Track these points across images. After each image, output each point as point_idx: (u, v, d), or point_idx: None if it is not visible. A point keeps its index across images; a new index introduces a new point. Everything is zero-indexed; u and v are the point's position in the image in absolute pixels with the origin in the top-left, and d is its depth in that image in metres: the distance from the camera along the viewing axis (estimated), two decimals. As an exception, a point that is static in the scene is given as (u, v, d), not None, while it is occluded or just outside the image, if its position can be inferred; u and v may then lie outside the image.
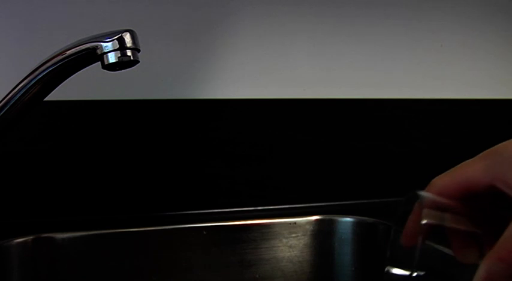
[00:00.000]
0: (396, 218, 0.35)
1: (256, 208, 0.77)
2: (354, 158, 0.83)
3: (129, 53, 0.47)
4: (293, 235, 0.70)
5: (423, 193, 0.32)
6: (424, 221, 0.30)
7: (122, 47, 0.47)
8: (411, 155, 0.86)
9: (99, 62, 0.48)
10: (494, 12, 0.91)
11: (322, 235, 0.71)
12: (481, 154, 0.33)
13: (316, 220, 0.71)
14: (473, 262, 0.29)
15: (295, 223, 0.71)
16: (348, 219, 0.71)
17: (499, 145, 0.32)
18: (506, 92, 0.92)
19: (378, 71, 0.85)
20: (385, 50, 0.85)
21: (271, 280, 0.70)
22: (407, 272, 0.30)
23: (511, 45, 0.93)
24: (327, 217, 0.72)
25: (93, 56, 0.48)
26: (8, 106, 0.50)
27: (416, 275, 0.30)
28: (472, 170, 0.32)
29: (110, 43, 0.47)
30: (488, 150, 0.32)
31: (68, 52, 0.49)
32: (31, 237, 0.62)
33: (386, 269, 0.34)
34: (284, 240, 0.70)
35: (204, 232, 0.68)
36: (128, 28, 0.48)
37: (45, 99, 0.52)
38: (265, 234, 0.70)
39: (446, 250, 0.31)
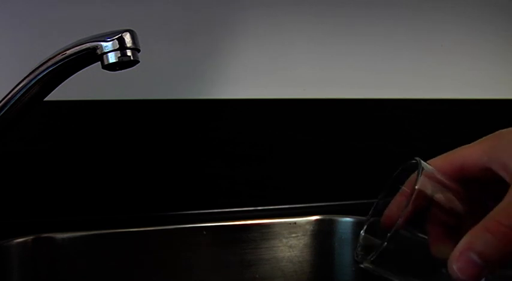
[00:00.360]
0: (387, 187, 0.35)
1: (256, 208, 0.77)
2: (354, 158, 0.82)
3: (129, 53, 0.47)
4: (293, 235, 0.70)
5: (424, 163, 0.32)
6: (417, 186, 0.30)
7: (122, 47, 0.47)
8: (411, 155, 0.85)
9: (99, 62, 0.48)
10: (494, 12, 0.91)
11: (322, 235, 0.71)
12: (479, 139, 0.33)
13: (316, 220, 0.71)
14: (446, 257, 0.29)
15: (295, 223, 0.70)
16: (348, 219, 0.71)
17: (497, 131, 0.33)
18: (506, 92, 0.92)
19: (378, 71, 0.85)
20: (385, 50, 0.85)
21: (271, 280, 0.70)
22: (380, 242, 0.30)
23: (511, 45, 0.93)
24: (327, 217, 0.72)
25: (93, 56, 0.48)
26: (8, 106, 0.50)
27: (387, 247, 0.29)
28: (469, 152, 0.33)
29: (110, 43, 0.47)
30: (487, 136, 0.33)
31: (68, 52, 0.48)
32: (31, 237, 0.62)
33: (361, 235, 0.34)
34: (284, 240, 0.70)
35: (204, 232, 0.68)
36: (128, 28, 0.48)
37: (45, 99, 0.52)
38: (265, 234, 0.69)
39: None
